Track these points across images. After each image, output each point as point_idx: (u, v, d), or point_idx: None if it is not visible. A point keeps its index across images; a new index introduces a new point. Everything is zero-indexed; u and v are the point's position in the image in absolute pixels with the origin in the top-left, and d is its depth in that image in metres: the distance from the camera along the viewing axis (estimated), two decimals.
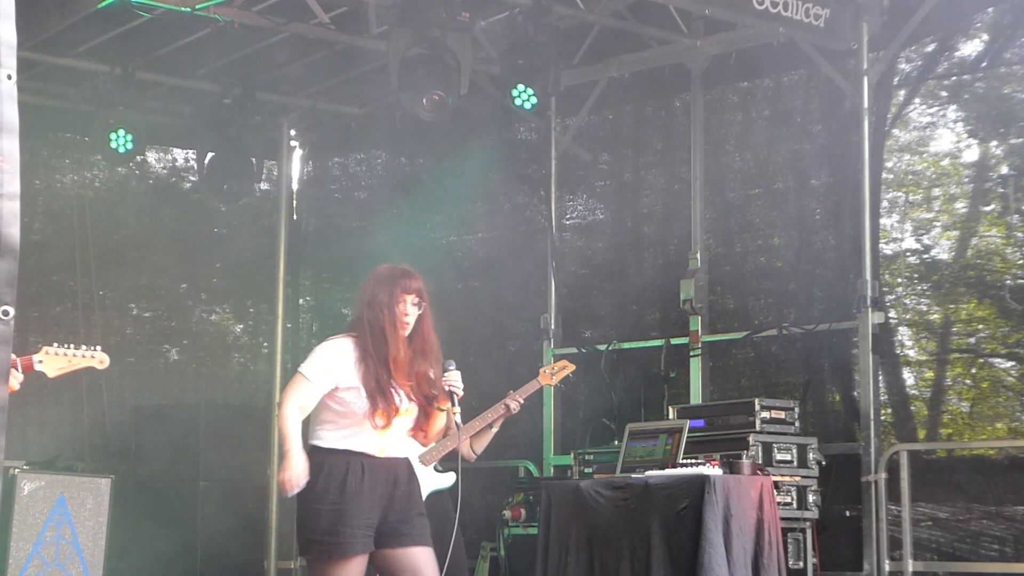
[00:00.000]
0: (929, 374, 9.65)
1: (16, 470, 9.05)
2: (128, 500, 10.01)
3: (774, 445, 8.57)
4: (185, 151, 11.97)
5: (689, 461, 7.99)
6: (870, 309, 9.22)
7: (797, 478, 8.56)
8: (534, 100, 9.16)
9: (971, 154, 9.56)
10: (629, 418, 9.35)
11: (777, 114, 10.15)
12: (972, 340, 9.42)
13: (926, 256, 9.69)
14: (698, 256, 10.18)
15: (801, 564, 8.44)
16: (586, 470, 8.97)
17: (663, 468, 7.96)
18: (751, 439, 8.47)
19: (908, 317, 9.67)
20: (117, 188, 11.77)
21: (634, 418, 9.51)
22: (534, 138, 11.33)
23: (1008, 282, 9.17)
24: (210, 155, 10.85)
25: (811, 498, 8.60)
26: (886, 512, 8.94)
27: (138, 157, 10.74)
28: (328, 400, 5.71)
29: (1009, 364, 9.31)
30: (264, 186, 11.95)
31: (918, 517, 9.03)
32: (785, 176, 10.12)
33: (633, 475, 7.99)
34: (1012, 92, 9.26)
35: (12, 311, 2.69)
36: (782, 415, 8.75)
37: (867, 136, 9.36)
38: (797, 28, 9.16)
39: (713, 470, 7.72)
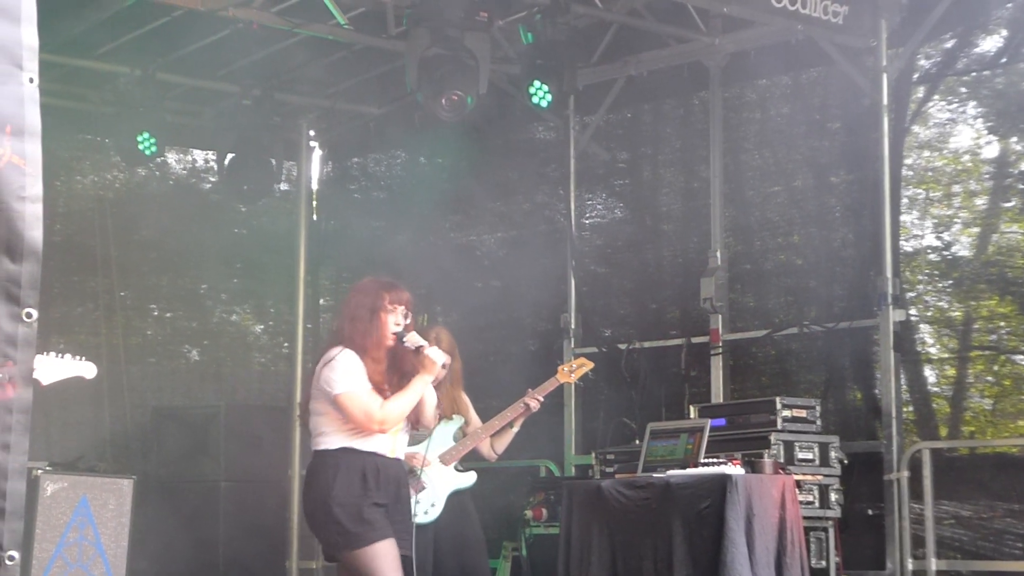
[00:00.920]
0: (951, 371, 9.63)
1: (39, 471, 9.08)
2: (150, 501, 10.03)
3: (796, 444, 8.54)
4: (205, 152, 12.00)
5: (711, 460, 7.95)
6: (891, 307, 9.19)
7: (819, 477, 8.54)
8: (550, 97, 9.13)
9: (991, 150, 9.54)
10: (650, 417, 9.34)
11: (796, 112, 10.14)
12: (994, 337, 9.41)
13: (947, 253, 9.68)
14: (718, 254, 10.17)
15: (824, 563, 8.41)
16: (607, 469, 8.96)
17: (684, 467, 7.94)
18: (772, 438, 8.44)
19: (929, 314, 9.65)
20: (137, 189, 11.82)
21: (655, 417, 9.48)
22: (553, 137, 11.31)
23: None
24: (230, 156, 10.86)
25: (833, 497, 8.57)
26: (908, 510, 8.92)
27: (158, 158, 10.78)
28: (332, 407, 5.79)
29: None
30: (284, 186, 11.97)
31: (941, 515, 9.01)
32: (804, 174, 10.10)
33: (654, 475, 7.97)
34: None
35: (36, 313, 2.70)
36: (803, 414, 8.71)
37: (886, 133, 9.33)
38: (815, 25, 9.13)
39: (735, 469, 7.70)
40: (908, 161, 9.65)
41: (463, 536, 7.38)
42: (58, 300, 11.04)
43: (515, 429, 7.85)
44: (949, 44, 9.53)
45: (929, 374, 9.62)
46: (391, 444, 5.78)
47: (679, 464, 8.02)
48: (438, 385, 7.15)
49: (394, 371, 5.83)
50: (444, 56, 8.59)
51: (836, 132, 9.97)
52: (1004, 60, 9.29)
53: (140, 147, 10.16)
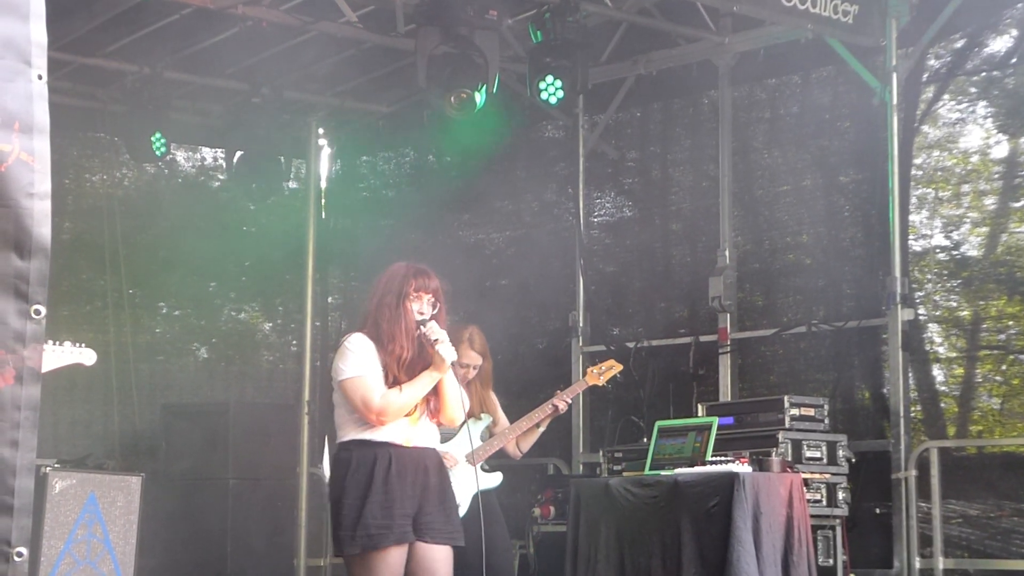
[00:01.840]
0: (959, 371, 9.59)
1: (47, 468, 9.06)
2: (158, 498, 10.03)
3: (804, 442, 8.55)
4: (214, 150, 11.99)
5: (718, 458, 7.95)
6: (900, 306, 9.20)
7: (827, 475, 8.54)
8: (561, 94, 9.14)
9: (1001, 150, 9.50)
10: (658, 415, 9.33)
11: (805, 111, 10.14)
12: (1002, 337, 9.40)
13: (955, 253, 9.64)
14: (726, 253, 10.18)
15: (831, 561, 8.42)
16: (615, 467, 8.97)
17: (692, 466, 7.94)
18: (780, 436, 8.44)
19: (938, 314, 9.63)
20: (146, 187, 11.81)
21: (663, 415, 9.48)
22: (562, 136, 11.31)
23: None
24: (239, 154, 10.85)
25: (841, 495, 8.58)
26: (916, 509, 8.93)
27: (167, 156, 10.80)
28: (341, 396, 5.75)
29: None
30: (292, 184, 11.97)
31: (948, 514, 9.01)
32: (814, 173, 10.10)
33: (662, 473, 7.99)
34: None
35: (44, 310, 2.70)
36: (811, 412, 8.73)
37: (896, 133, 9.32)
38: (825, 25, 9.11)
39: (742, 467, 7.73)
40: (917, 161, 9.64)
41: (489, 537, 7.15)
42: (67, 298, 11.02)
43: (541, 429, 7.92)
44: (959, 44, 9.51)
45: (937, 373, 9.59)
46: (407, 433, 5.65)
47: (687, 462, 8.01)
48: (467, 384, 7.29)
49: (420, 362, 5.67)
50: (453, 54, 8.58)
51: (845, 132, 9.98)
52: (1014, 60, 9.26)
53: (153, 147, 10.21)
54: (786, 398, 8.68)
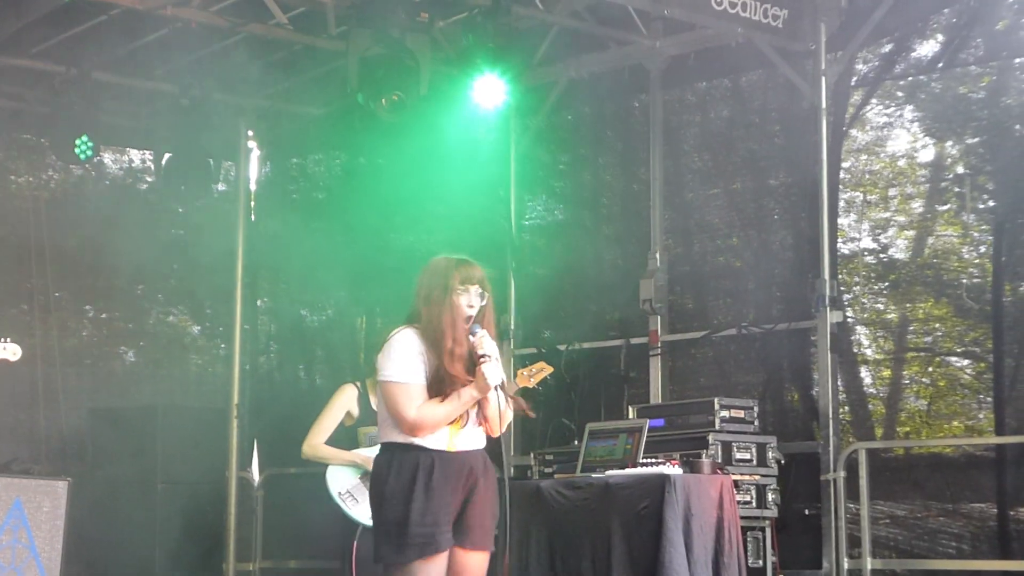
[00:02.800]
0: (886, 373, 9.67)
1: None
2: (86, 503, 9.94)
3: (734, 444, 8.60)
4: (142, 152, 11.93)
5: (649, 460, 8.00)
6: (828, 308, 9.27)
7: (756, 477, 8.59)
8: (494, 97, 9.14)
9: (927, 154, 9.63)
10: (589, 418, 9.35)
11: (736, 114, 10.22)
12: (929, 339, 9.47)
13: (883, 255, 9.74)
14: (657, 256, 10.23)
15: (761, 563, 8.48)
16: (546, 470, 8.97)
17: (623, 468, 7.98)
18: (711, 438, 8.49)
19: (866, 316, 9.70)
20: (73, 189, 11.74)
21: (594, 418, 9.51)
22: (494, 139, 11.29)
23: (964, 281, 9.23)
24: (167, 156, 10.79)
25: (770, 497, 8.64)
26: (845, 510, 8.97)
27: (95, 158, 10.68)
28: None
29: (965, 362, 9.35)
30: (222, 187, 11.90)
31: (876, 515, 9.06)
32: (743, 176, 10.17)
33: (593, 475, 8.00)
34: (967, 92, 9.31)
35: None
36: (741, 414, 8.79)
37: (825, 136, 9.40)
38: (755, 29, 9.16)
39: (673, 469, 7.75)
40: (846, 164, 9.72)
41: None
42: None
43: None
44: (887, 48, 9.57)
45: (865, 375, 9.67)
46: (447, 439, 5.48)
47: (618, 464, 8.06)
48: None
49: (473, 363, 5.49)
50: (385, 56, 8.57)
51: (775, 135, 10.04)
52: (941, 65, 9.34)
53: (76, 150, 10.09)
54: (716, 400, 8.74)
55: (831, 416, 9.19)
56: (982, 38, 9.12)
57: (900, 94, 9.66)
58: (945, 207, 9.43)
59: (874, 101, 9.76)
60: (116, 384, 11.71)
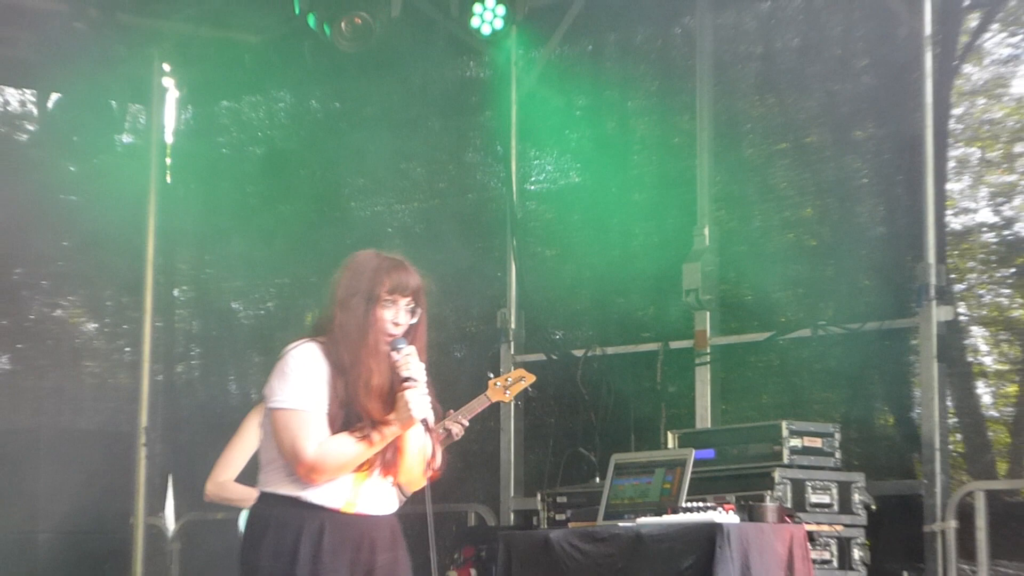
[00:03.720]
0: (1012, 389, 9.71)
1: None
2: None
3: (807, 483, 8.57)
4: (21, 91, 11.99)
5: (694, 505, 7.92)
6: (934, 303, 9.23)
7: (838, 527, 8.56)
8: (501, 23, 9.14)
9: None
10: (615, 447, 9.34)
11: (809, 45, 10.17)
12: None
13: (1007, 233, 9.76)
14: (705, 232, 10.17)
15: None
16: (558, 517, 8.98)
17: (660, 514, 7.93)
18: (777, 475, 8.46)
19: (984, 314, 9.73)
20: None
21: (621, 447, 9.52)
22: (488, 76, 11.27)
23: None
24: (55, 97, 10.83)
25: (857, 554, 8.61)
26: (956, 572, 8.93)
27: None
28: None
29: None
30: (128, 139, 11.89)
31: None
32: (820, 127, 10.18)
33: (621, 523, 7.99)
34: None
35: None
36: (818, 443, 8.78)
37: (929, 74, 9.36)
38: None
39: (727, 517, 7.72)
40: (957, 111, 9.75)
41: None
42: None
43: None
44: None
45: (984, 392, 9.71)
46: (348, 495, 5.48)
47: (653, 510, 8.01)
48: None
49: (393, 393, 5.49)
50: None
51: (862, 72, 10.02)
52: None
53: None
54: (784, 424, 8.73)
55: (937, 446, 9.13)
56: None
57: None
58: None
59: (995, 27, 9.77)
60: None
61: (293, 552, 5.39)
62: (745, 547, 7.51)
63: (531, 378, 8.39)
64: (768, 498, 8.23)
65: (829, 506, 8.60)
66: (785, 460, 8.59)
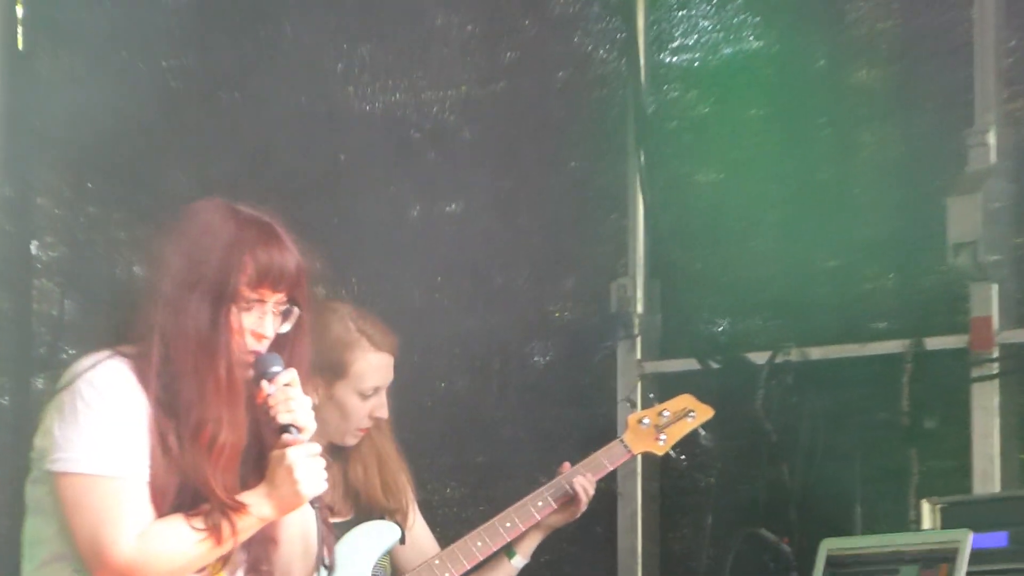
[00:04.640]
0: None
1: None
2: None
3: None
4: None
5: None
6: None
7: None
8: None
9: None
10: (826, 526, 9.20)
11: None
12: None
13: None
14: (990, 140, 9.81)
15: None
16: None
17: None
18: None
19: None
20: None
21: (837, 526, 9.40)
22: None
23: None
24: None
25: None
26: None
27: None
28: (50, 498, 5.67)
29: None
30: None
31: None
32: None
33: None
34: None
35: None
36: None
37: None
38: None
39: None
40: None
41: None
42: None
43: (534, 542, 8.22)
44: None
45: None
46: None
47: None
48: (357, 447, 7.70)
49: (256, 444, 5.58)
50: None
51: None
52: None
53: None
54: None
55: None
56: None
57: None
58: None
59: None
60: None
61: None
62: None
63: (705, 412, 8.43)
64: None
65: None
66: None
